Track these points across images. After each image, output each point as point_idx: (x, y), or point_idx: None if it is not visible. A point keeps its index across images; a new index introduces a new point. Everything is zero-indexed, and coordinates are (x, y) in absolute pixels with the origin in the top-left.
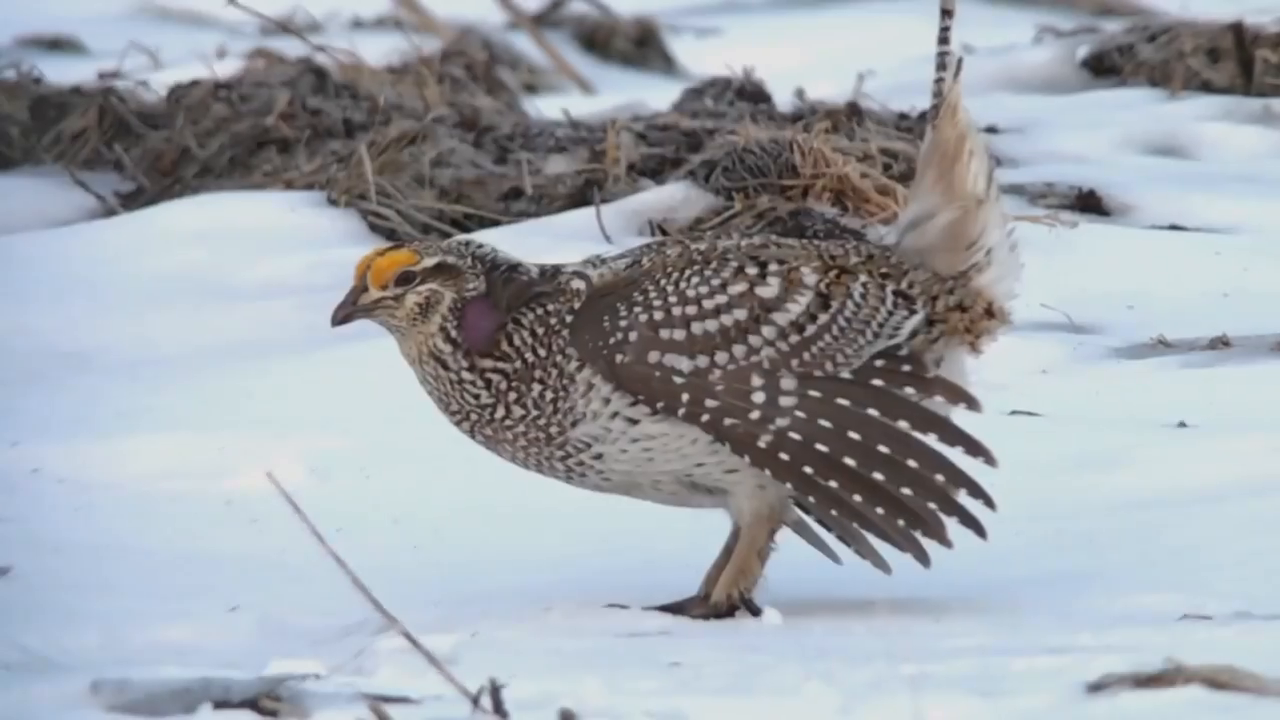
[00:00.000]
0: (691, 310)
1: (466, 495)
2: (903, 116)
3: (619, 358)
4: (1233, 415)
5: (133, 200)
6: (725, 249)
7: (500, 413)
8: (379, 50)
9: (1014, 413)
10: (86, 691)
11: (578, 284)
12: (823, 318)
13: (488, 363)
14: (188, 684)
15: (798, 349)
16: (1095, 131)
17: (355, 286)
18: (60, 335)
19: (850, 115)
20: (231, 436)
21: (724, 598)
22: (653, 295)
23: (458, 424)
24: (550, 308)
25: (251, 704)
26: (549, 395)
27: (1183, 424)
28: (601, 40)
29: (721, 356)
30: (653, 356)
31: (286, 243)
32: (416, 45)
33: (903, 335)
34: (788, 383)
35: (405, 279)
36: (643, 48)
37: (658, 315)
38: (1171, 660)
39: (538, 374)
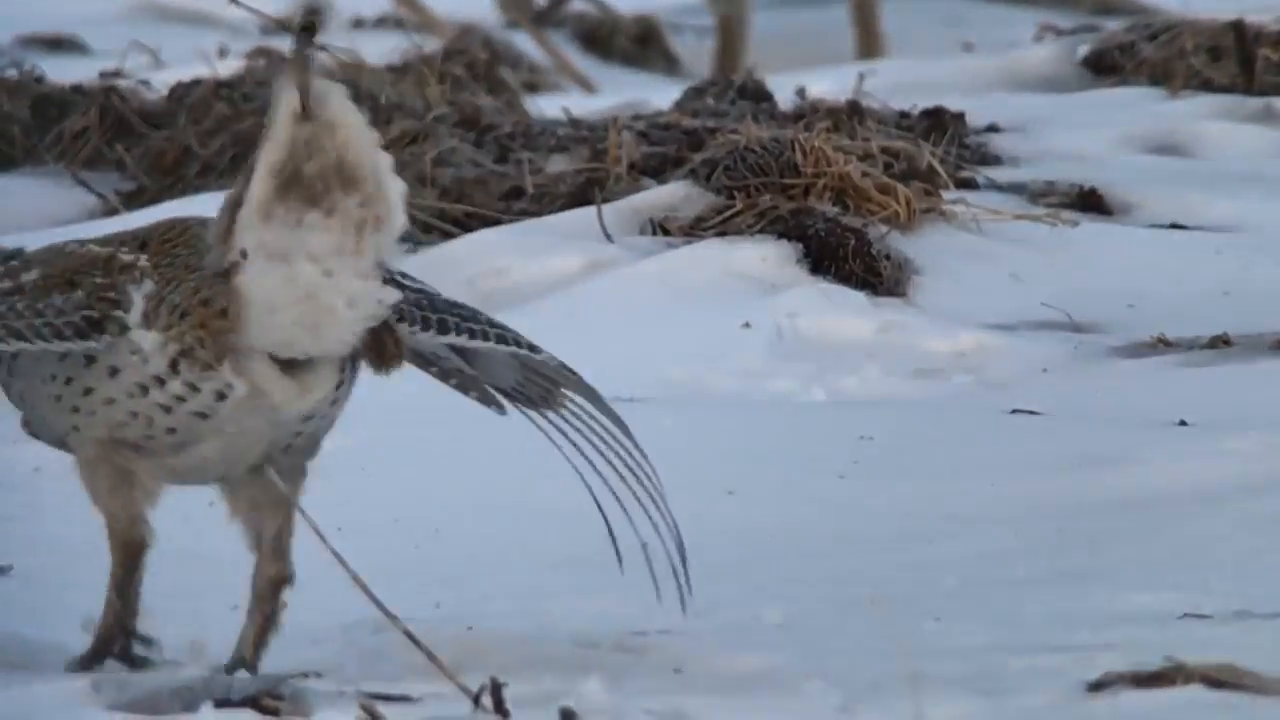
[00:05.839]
0: None
1: (466, 495)
2: (904, 115)
3: None
4: (1233, 414)
5: (134, 199)
6: None
7: None
8: (380, 49)
9: (1014, 411)
10: (87, 690)
11: None
12: None
13: None
14: (188, 682)
15: None
16: (1096, 130)
17: None
18: None
19: (851, 114)
20: None
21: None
22: None
23: None
24: None
25: (252, 702)
26: None
27: (1183, 423)
28: (602, 39)
29: None
30: None
31: None
32: (417, 44)
33: None
34: None
35: None
36: (644, 46)
37: None
38: (1171, 659)
39: None
